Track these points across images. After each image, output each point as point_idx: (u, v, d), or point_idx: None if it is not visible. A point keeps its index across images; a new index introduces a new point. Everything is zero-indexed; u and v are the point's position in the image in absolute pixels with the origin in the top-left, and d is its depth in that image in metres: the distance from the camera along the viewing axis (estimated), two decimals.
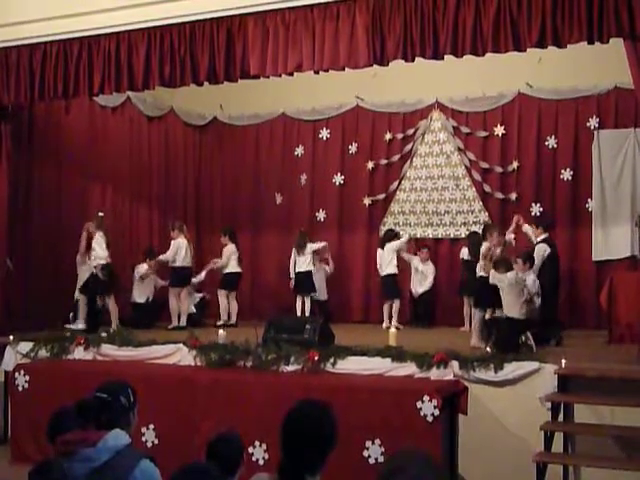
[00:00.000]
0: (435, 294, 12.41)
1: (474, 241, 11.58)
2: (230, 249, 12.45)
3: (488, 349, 8.37)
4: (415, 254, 12.33)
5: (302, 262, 12.24)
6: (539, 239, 10.20)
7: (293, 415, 3.16)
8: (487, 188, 12.49)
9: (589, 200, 11.81)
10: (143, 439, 8.16)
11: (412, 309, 12.25)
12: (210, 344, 8.98)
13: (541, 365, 7.68)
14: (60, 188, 11.95)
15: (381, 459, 7.27)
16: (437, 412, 7.17)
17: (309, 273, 12.28)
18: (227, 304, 12.35)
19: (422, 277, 12.19)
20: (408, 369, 7.99)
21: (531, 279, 9.12)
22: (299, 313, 12.04)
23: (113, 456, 3.16)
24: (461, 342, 9.15)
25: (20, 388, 9.12)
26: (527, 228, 10.46)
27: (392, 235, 12.20)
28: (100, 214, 11.21)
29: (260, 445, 7.76)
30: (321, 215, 13.69)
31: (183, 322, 11.69)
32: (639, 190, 11.49)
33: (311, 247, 12.33)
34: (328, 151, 13.71)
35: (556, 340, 9.42)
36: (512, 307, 8.58)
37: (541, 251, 9.98)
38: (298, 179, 13.82)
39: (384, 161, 13.24)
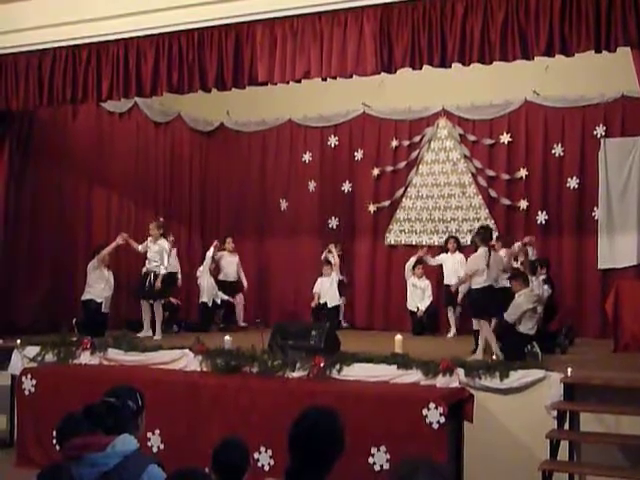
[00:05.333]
0: (438, 305, 12.36)
1: None
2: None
3: (494, 357, 8.35)
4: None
5: None
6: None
7: (301, 421, 3.17)
8: (493, 194, 12.49)
9: (595, 208, 11.80)
10: (149, 444, 8.15)
11: (415, 323, 12.18)
12: (216, 350, 8.99)
13: (547, 373, 7.66)
14: (66, 192, 11.98)
15: (386, 466, 7.26)
16: (443, 419, 7.16)
17: None
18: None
19: (421, 293, 12.20)
20: (414, 376, 7.98)
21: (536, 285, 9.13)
22: None
23: (122, 461, 3.16)
24: (467, 349, 9.13)
25: (27, 392, 9.13)
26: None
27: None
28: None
29: (266, 451, 7.75)
30: (333, 222, 13.68)
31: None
32: None
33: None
34: (335, 158, 13.73)
35: (562, 349, 9.44)
36: (527, 321, 8.57)
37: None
38: (306, 185, 13.84)
39: (390, 168, 13.26)
